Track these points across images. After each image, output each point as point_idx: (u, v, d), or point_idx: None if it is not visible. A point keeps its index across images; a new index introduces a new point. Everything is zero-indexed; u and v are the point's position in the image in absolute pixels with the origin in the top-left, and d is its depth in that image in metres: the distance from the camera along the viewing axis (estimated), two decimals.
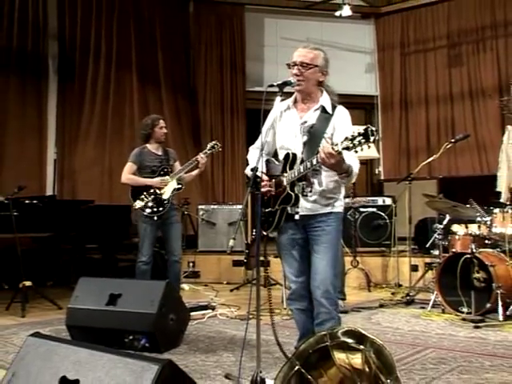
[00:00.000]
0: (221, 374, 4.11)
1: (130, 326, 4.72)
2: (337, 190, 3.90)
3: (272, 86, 3.73)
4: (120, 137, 10.76)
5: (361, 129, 3.24)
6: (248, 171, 3.92)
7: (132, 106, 11.06)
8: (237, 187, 11.82)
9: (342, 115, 3.88)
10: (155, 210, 6.50)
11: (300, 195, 3.74)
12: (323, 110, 3.87)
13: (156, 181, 6.54)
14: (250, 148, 4.17)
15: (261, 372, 3.62)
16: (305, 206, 3.81)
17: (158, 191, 6.52)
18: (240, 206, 9.51)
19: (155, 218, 6.49)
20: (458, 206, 6.80)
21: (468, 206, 6.73)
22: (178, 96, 11.80)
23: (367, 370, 2.33)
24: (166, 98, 11.53)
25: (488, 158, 11.29)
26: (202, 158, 6.55)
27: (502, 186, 9.45)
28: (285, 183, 3.77)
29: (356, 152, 3.26)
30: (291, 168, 3.77)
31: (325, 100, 3.91)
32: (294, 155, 3.79)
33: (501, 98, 10.74)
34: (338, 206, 3.93)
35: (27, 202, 7.46)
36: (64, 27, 10.30)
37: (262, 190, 3.79)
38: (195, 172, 6.75)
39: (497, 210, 6.48)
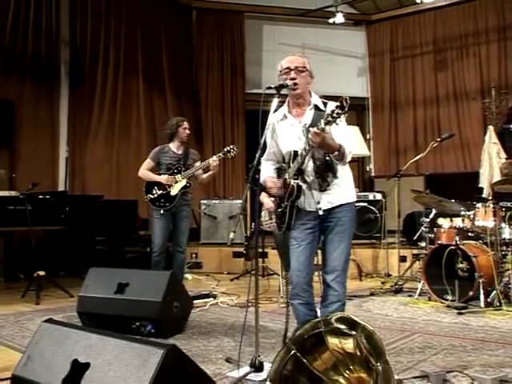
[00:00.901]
0: (222, 357, 4.11)
1: (137, 313, 4.72)
2: (349, 182, 3.93)
3: (270, 88, 3.75)
4: (127, 136, 10.76)
5: (336, 103, 3.36)
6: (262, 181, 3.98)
7: (138, 107, 11.07)
8: (237, 183, 11.82)
9: (330, 108, 3.82)
10: (162, 204, 6.50)
11: (298, 183, 3.74)
12: (316, 108, 3.89)
13: (164, 178, 6.52)
14: (262, 160, 4.12)
15: (259, 356, 3.63)
16: (326, 200, 3.80)
17: (167, 187, 6.52)
18: (240, 201, 9.51)
19: (161, 211, 6.48)
20: (443, 201, 6.79)
21: (453, 200, 6.74)
22: (181, 98, 11.81)
23: (359, 353, 2.33)
24: (170, 100, 11.55)
25: (471, 156, 11.31)
26: (214, 160, 6.48)
27: (484, 182, 9.49)
28: (288, 178, 3.79)
29: (337, 124, 3.36)
30: (293, 163, 3.79)
31: (315, 99, 3.93)
32: (296, 152, 3.78)
33: (483, 100, 10.78)
34: (352, 197, 3.95)
35: (41, 197, 7.47)
36: (75, 34, 10.28)
37: (274, 192, 3.85)
38: (206, 175, 6.71)
39: (479, 205, 6.47)
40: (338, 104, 3.34)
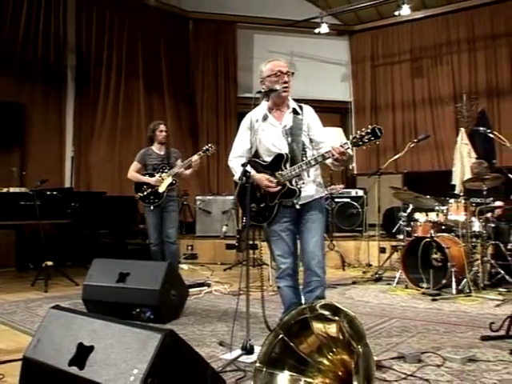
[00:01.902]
0: (215, 341, 4.11)
1: (137, 301, 4.71)
2: (320, 178, 4.00)
3: (260, 92, 3.83)
4: (129, 136, 10.76)
5: (368, 128, 3.38)
6: (236, 178, 3.94)
7: (139, 110, 11.08)
8: (230, 180, 11.68)
9: (310, 113, 3.99)
10: (152, 200, 6.63)
11: (300, 187, 3.82)
12: (294, 111, 3.92)
13: (153, 180, 6.64)
14: (231, 158, 4.12)
15: (250, 340, 3.64)
16: (302, 196, 3.85)
17: (155, 186, 6.63)
18: (232, 197, 9.51)
19: (151, 207, 6.63)
20: (419, 197, 6.81)
21: (428, 196, 6.76)
22: (178, 101, 11.83)
23: (341, 337, 2.34)
24: (168, 103, 11.56)
25: (445, 155, 11.35)
26: (196, 159, 6.60)
27: (456, 180, 9.50)
28: (283, 180, 3.79)
29: (363, 148, 3.46)
30: (285, 167, 3.80)
31: (293, 103, 3.96)
32: (287, 155, 3.81)
33: (455, 104, 10.82)
34: (323, 192, 4.05)
35: (48, 193, 7.44)
36: (81, 42, 10.28)
37: (271, 189, 3.83)
38: (189, 171, 6.76)
39: (452, 201, 6.50)
40: (369, 131, 3.38)
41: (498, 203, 6.66)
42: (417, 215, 6.84)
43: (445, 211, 6.54)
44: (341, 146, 3.48)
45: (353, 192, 9.44)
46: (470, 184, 6.82)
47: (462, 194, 7.03)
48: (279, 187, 3.83)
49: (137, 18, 11.07)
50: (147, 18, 11.22)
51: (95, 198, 8.67)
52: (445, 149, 11.39)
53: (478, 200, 6.43)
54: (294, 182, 3.82)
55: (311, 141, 3.91)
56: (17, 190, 7.66)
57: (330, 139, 3.85)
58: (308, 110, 4.00)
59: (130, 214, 8.62)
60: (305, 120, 3.91)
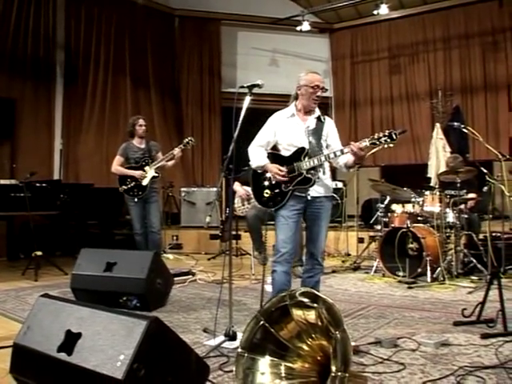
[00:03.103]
0: (200, 328, 4.11)
1: (124, 289, 4.69)
2: (330, 178, 4.19)
3: (242, 87, 3.89)
4: (116, 130, 10.70)
5: (386, 132, 3.64)
6: (254, 165, 4.12)
7: (126, 104, 11.04)
8: (213, 172, 11.83)
9: (331, 124, 4.22)
10: (136, 193, 6.65)
11: (318, 177, 3.99)
12: (318, 118, 4.11)
13: (138, 173, 6.65)
14: (252, 146, 4.19)
15: (233, 326, 3.65)
16: (315, 190, 4.00)
17: (139, 179, 6.65)
18: (215, 189, 9.53)
19: (136, 199, 6.65)
20: (396, 189, 6.85)
21: (405, 188, 6.80)
22: (164, 96, 11.81)
23: (320, 323, 2.35)
24: (154, 98, 11.55)
25: (421, 149, 11.44)
26: (178, 152, 6.64)
27: (431, 173, 9.57)
28: (302, 169, 3.93)
29: (379, 147, 3.78)
30: (304, 159, 3.95)
31: (318, 112, 4.15)
32: (307, 149, 3.96)
33: (431, 100, 10.90)
34: (333, 191, 4.27)
35: (38, 185, 7.41)
36: (70, 39, 10.24)
37: (280, 178, 3.96)
38: (171, 162, 6.77)
39: (427, 193, 6.53)
40: (387, 134, 3.62)
41: (471, 195, 6.71)
42: (394, 206, 6.88)
43: (420, 203, 6.57)
44: (360, 143, 3.68)
45: (332, 184, 9.45)
46: (444, 177, 6.86)
47: (436, 186, 7.06)
48: (287, 178, 3.95)
49: (124, 15, 11.03)
50: (134, 15, 11.18)
51: (83, 190, 8.63)
52: (421, 143, 11.47)
53: (452, 192, 6.48)
54: (310, 174, 3.94)
55: (327, 147, 4.08)
56: (7, 182, 7.62)
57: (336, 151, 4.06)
58: (330, 121, 4.22)
59: (117, 205, 8.58)
60: (326, 128, 4.10)
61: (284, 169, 3.97)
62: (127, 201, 6.84)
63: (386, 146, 3.63)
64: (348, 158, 3.89)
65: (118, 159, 6.81)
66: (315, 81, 4.04)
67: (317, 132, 4.04)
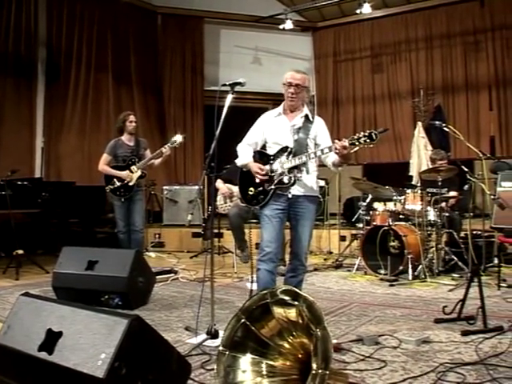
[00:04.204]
0: (182, 326, 4.11)
1: (106, 287, 4.68)
2: (315, 178, 4.15)
3: (225, 85, 3.90)
4: (98, 128, 10.64)
5: (366, 132, 3.58)
6: (239, 163, 4.15)
7: (108, 102, 10.94)
8: (196, 171, 11.80)
9: (321, 123, 4.20)
10: (122, 193, 6.58)
11: (298, 178, 3.96)
12: (307, 117, 4.09)
13: (124, 174, 6.56)
14: (241, 144, 4.21)
15: (215, 325, 3.66)
16: (297, 188, 3.98)
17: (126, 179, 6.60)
18: (197, 187, 9.53)
19: (122, 199, 6.58)
20: (378, 187, 6.89)
21: (387, 187, 6.84)
22: (147, 94, 11.71)
23: (301, 321, 2.36)
24: (136, 96, 11.44)
25: (403, 148, 11.50)
26: (166, 150, 6.56)
27: (413, 171, 9.65)
28: (283, 168, 3.94)
29: (359, 147, 3.64)
30: (287, 158, 3.95)
31: (307, 110, 4.13)
32: (291, 149, 3.96)
33: (413, 99, 11.00)
34: (318, 191, 4.23)
35: (19, 183, 7.35)
36: (51, 36, 10.13)
37: (260, 176, 3.97)
38: (158, 161, 6.72)
39: (409, 191, 6.57)
40: (367, 134, 3.56)
41: (452, 193, 6.76)
42: (375, 205, 6.92)
43: (402, 201, 6.61)
44: (343, 141, 3.65)
45: (318, 184, 9.45)
46: (426, 175, 6.91)
47: (418, 184, 7.13)
48: (267, 177, 3.96)
49: (107, 12, 10.94)
50: (117, 13, 11.10)
51: (65, 188, 8.56)
52: (403, 141, 11.54)
53: (434, 190, 6.52)
54: (291, 173, 3.93)
55: (317, 146, 4.06)
56: None
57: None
58: (319, 120, 4.20)
59: (99, 203, 8.53)
60: (314, 127, 4.09)
61: (265, 167, 3.98)
62: (113, 200, 6.77)
63: (365, 146, 3.60)
64: (335, 157, 3.88)
65: (105, 157, 6.69)
66: (289, 78, 4.03)
67: (303, 131, 4.03)
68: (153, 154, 6.65)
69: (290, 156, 3.94)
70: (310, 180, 4.06)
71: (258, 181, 4.02)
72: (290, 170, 3.93)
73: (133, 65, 11.39)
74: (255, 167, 4.00)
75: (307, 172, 4.02)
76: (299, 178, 3.96)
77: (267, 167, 4.00)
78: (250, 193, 4.09)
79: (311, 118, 4.11)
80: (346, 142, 3.64)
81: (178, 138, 6.54)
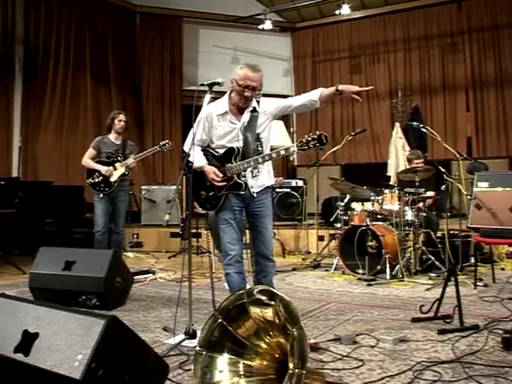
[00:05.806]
0: (159, 327, 4.10)
1: (83, 288, 4.66)
2: (271, 166, 4.06)
3: (203, 85, 3.81)
4: (75, 127, 10.58)
5: (315, 134, 3.49)
6: (194, 165, 3.86)
7: (86, 101, 10.88)
8: (174, 170, 11.77)
9: (266, 102, 3.98)
10: (102, 188, 6.52)
11: (246, 182, 3.85)
12: (253, 109, 3.89)
13: (104, 168, 6.51)
14: (187, 144, 3.95)
15: (193, 325, 3.65)
16: (257, 185, 3.91)
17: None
18: (175, 186, 9.50)
19: (101, 195, 6.52)
20: (356, 188, 6.94)
21: (364, 187, 6.88)
22: (125, 93, 11.68)
23: (277, 321, 2.37)
24: (114, 95, 11.41)
25: (381, 148, 11.59)
26: (151, 152, 6.67)
27: (391, 171, 9.74)
28: (232, 174, 3.82)
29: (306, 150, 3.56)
30: (235, 160, 3.82)
31: (254, 103, 3.91)
32: (238, 150, 3.82)
33: (391, 100, 11.12)
34: (272, 180, 4.12)
35: None
36: (29, 34, 10.06)
37: (217, 183, 3.84)
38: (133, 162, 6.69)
39: (387, 191, 6.62)
40: (316, 137, 3.47)
41: (429, 193, 6.82)
42: (353, 205, 6.96)
43: (380, 201, 6.66)
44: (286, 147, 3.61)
45: (293, 182, 9.49)
46: (403, 175, 6.97)
47: (396, 184, 7.18)
48: (224, 183, 3.85)
49: (85, 10, 10.89)
50: (95, 11, 11.06)
51: (42, 188, 8.47)
52: (380, 142, 11.64)
53: (411, 190, 6.57)
54: (241, 176, 3.84)
55: (286, 108, 3.97)
56: None
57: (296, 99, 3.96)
58: (263, 100, 3.98)
59: (77, 202, 8.48)
60: (261, 113, 3.89)
61: (221, 174, 3.85)
62: (92, 197, 6.70)
63: (314, 150, 3.52)
64: (323, 91, 3.87)
65: (89, 152, 6.67)
66: (247, 79, 3.73)
67: (251, 126, 3.84)
68: (148, 150, 6.69)
69: (238, 158, 3.81)
70: (266, 172, 3.97)
71: (208, 184, 3.92)
72: (239, 175, 3.84)
73: (111, 64, 11.35)
74: (212, 173, 3.85)
75: (258, 171, 3.91)
76: (256, 174, 3.88)
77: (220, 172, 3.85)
78: (203, 196, 3.99)
79: (257, 108, 3.89)
80: (292, 149, 3.61)
81: (168, 144, 6.60)
